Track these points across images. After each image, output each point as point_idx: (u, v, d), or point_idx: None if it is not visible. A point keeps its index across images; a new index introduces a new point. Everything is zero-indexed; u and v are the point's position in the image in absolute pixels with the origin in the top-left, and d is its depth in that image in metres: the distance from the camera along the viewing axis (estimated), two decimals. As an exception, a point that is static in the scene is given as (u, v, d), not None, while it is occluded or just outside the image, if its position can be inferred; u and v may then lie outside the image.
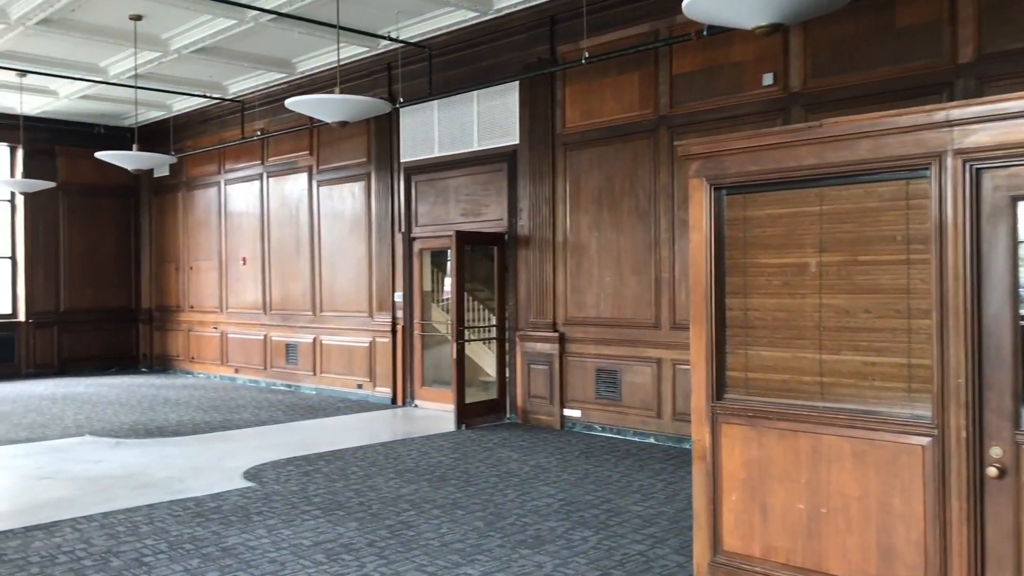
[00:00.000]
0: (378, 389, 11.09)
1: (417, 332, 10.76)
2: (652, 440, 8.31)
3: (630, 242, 8.53)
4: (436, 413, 10.08)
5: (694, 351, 4.02)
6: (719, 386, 3.95)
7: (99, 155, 9.89)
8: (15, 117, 13.51)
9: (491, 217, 9.82)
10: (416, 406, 10.68)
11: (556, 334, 9.08)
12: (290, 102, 7.19)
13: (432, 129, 10.39)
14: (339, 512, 5.79)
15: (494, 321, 9.80)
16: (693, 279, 4.01)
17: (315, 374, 12.09)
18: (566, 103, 9.05)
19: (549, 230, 9.17)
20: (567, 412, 9.04)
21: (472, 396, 9.65)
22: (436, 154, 10.36)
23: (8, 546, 5.06)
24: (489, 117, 9.79)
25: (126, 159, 9.65)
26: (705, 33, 7.31)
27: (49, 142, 14.42)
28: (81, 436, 8.76)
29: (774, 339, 3.77)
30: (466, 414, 9.21)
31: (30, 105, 13.39)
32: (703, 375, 3.98)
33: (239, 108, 12.77)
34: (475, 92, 9.81)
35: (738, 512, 3.88)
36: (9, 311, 14.52)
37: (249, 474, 6.95)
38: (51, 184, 12.59)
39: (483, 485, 6.55)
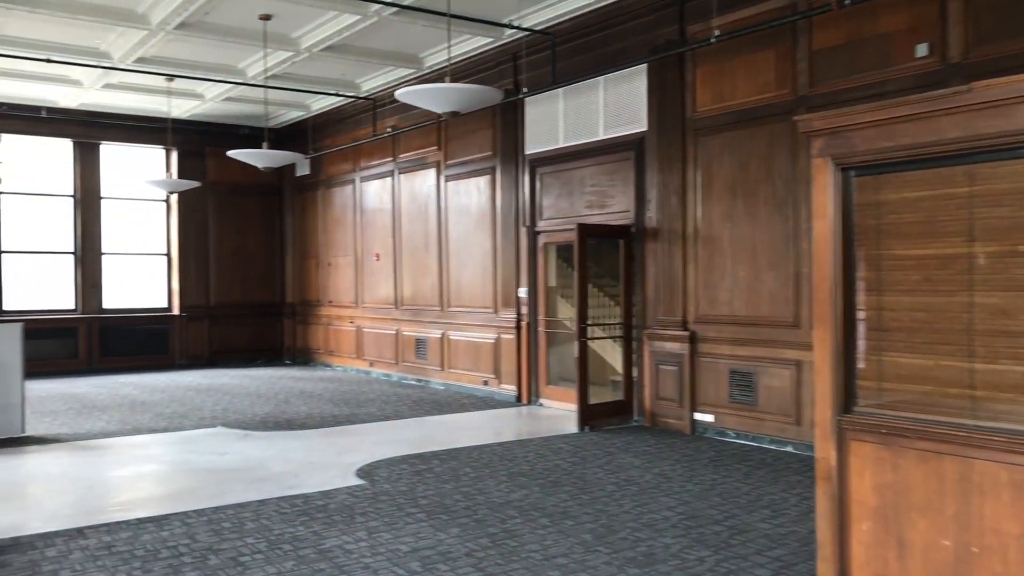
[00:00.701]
0: (503, 386, 10.89)
1: (542, 329, 10.47)
2: (790, 449, 7.66)
3: (766, 234, 7.89)
4: (560, 413, 9.76)
5: (818, 356, 3.49)
6: (847, 397, 3.41)
7: (231, 153, 10.16)
8: (167, 120, 14.20)
9: (617, 209, 9.39)
10: (541, 404, 10.39)
11: (686, 333, 8.55)
12: (400, 93, 7.04)
13: (557, 119, 10.06)
14: (443, 516, 5.57)
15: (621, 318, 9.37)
16: (817, 274, 3.48)
17: (443, 369, 12.03)
18: (696, 86, 8.49)
19: (679, 221, 8.64)
20: (698, 416, 8.50)
21: (598, 396, 9.27)
22: (561, 145, 10.02)
23: (119, 538, 5.13)
24: (615, 104, 9.35)
25: (256, 157, 9.86)
26: (848, 2, 6.60)
27: (199, 144, 15.08)
28: (214, 427, 9.00)
29: (913, 344, 3.21)
30: (590, 415, 8.84)
31: (180, 109, 14.05)
32: (828, 384, 3.45)
33: (371, 106, 12.89)
34: (600, 78, 9.39)
35: (869, 545, 3.33)
36: (164, 305, 15.34)
37: (362, 471, 6.86)
38: (196, 184, 13.13)
39: (598, 493, 6.17)
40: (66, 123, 13.98)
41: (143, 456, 7.66)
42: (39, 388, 12.10)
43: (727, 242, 8.24)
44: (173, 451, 7.86)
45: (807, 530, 5.22)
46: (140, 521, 5.46)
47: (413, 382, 12.60)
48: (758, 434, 7.95)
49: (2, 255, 13.90)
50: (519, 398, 10.62)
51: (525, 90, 9.92)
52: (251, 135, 15.27)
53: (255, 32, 9.92)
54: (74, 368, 13.97)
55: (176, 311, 15.10)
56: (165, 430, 8.88)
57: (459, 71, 10.65)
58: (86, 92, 12.77)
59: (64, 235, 14.46)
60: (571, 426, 8.83)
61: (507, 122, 10.73)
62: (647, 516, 5.57)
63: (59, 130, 14.07)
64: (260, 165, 10.05)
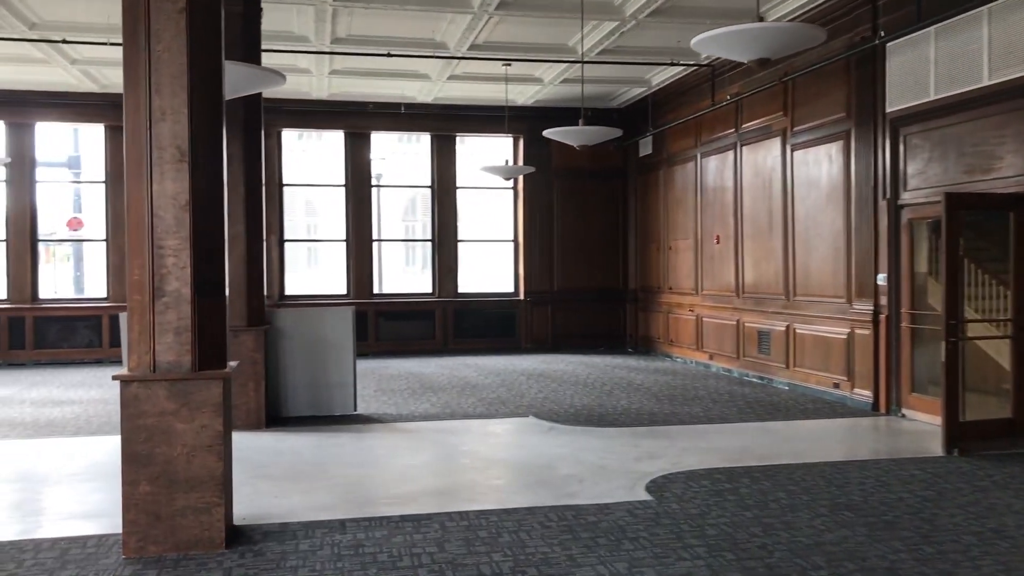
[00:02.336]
0: (856, 391, 9.21)
1: (905, 324, 8.63)
2: None
3: None
4: (925, 428, 7.93)
5: None
6: None
7: (547, 133, 9.76)
8: (512, 108, 14.37)
9: (1007, 173, 7.32)
10: (903, 416, 8.58)
11: (1105, 334, 6.36)
12: (696, 41, 5.97)
13: (926, 66, 8.15)
14: (727, 555, 4.50)
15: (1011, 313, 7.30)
16: None
17: (788, 367, 10.59)
18: (1126, 0, 6.23)
19: (1095, 187, 6.44)
20: (1121, 447, 6.28)
21: (979, 410, 7.36)
22: (931, 97, 8.10)
23: (372, 537, 4.84)
24: (1005, 39, 7.28)
25: (571, 135, 9.33)
26: None
27: (543, 129, 15.02)
28: (525, 417, 8.68)
29: None
30: (961, 435, 6.99)
31: (524, 95, 14.12)
32: None
33: (710, 74, 11.78)
34: (984, 8, 7.38)
35: None
36: (511, 290, 15.66)
37: (654, 484, 5.97)
38: (530, 169, 13.06)
39: (948, 546, 4.64)
40: (424, 117, 14.77)
41: (443, 444, 7.51)
42: (395, 367, 12.89)
43: None
44: (474, 440, 7.64)
45: None
46: (401, 519, 5.15)
47: (754, 379, 11.30)
48: None
49: (379, 243, 15.12)
50: (875, 406, 8.90)
51: (882, 34, 8.18)
52: (594, 117, 14.87)
53: (573, 4, 9.39)
54: (430, 348, 14.78)
55: (522, 296, 15.32)
56: (480, 416, 8.75)
57: (807, 21, 9.15)
58: (435, 85, 13.31)
59: (423, 224, 15.36)
60: (935, 447, 7.07)
61: (863, 77, 9.00)
62: (1017, 592, 4.00)
63: (418, 125, 14.94)
64: (575, 143, 9.53)
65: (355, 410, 8.82)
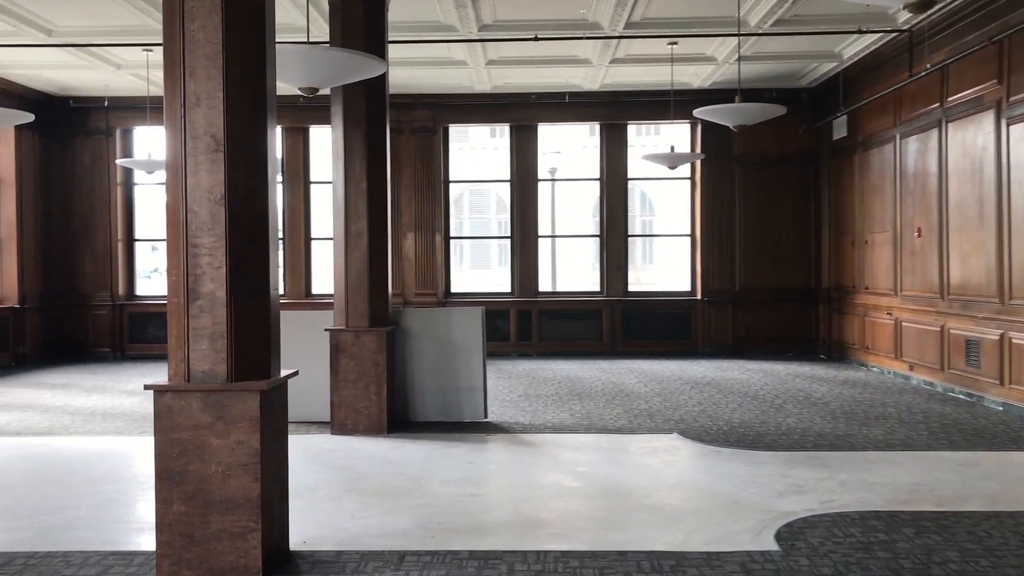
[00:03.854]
0: (1088, 417, 7.47)
1: None
2: None
3: None
4: None
5: None
6: None
7: (697, 112, 8.69)
8: (688, 92, 13.29)
9: None
10: None
11: None
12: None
13: None
14: (850, 643, 3.45)
15: None
16: None
17: (1002, 384, 8.86)
18: None
19: None
20: None
21: None
22: None
23: (426, 576, 4.22)
24: None
25: (724, 114, 8.23)
26: None
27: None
28: (669, 434, 7.74)
29: None
30: None
31: (698, 77, 13.01)
32: None
33: (908, 42, 10.15)
34: None
35: None
36: (687, 288, 14.55)
37: (787, 530, 4.92)
38: (699, 156, 11.98)
39: None
40: (591, 106, 14.01)
41: (561, 462, 6.76)
42: (553, 369, 12.27)
43: None
44: (598, 460, 6.82)
45: None
46: (470, 556, 4.49)
47: (960, 396, 9.60)
48: None
49: (547, 241, 14.57)
50: (1112, 437, 7.15)
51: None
52: (779, 99, 13.49)
53: (732, -35, 8.31)
54: (597, 350, 14.01)
55: (699, 295, 14.17)
56: (619, 431, 7.91)
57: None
58: (598, 71, 12.52)
59: (591, 218, 14.59)
60: None
61: (1099, 28, 7.25)
62: None
63: (586, 114, 14.20)
64: (731, 123, 8.41)
65: (485, 417, 8.27)
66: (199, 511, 4.15)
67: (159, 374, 11.95)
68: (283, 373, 4.49)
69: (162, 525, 4.16)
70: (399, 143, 13.95)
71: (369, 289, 7.76)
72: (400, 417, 8.20)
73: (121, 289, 14.17)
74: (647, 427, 8.04)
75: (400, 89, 13.57)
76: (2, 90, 12.61)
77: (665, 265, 14.49)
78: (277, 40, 4.97)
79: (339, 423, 7.72)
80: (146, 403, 9.43)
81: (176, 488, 4.15)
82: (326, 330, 7.74)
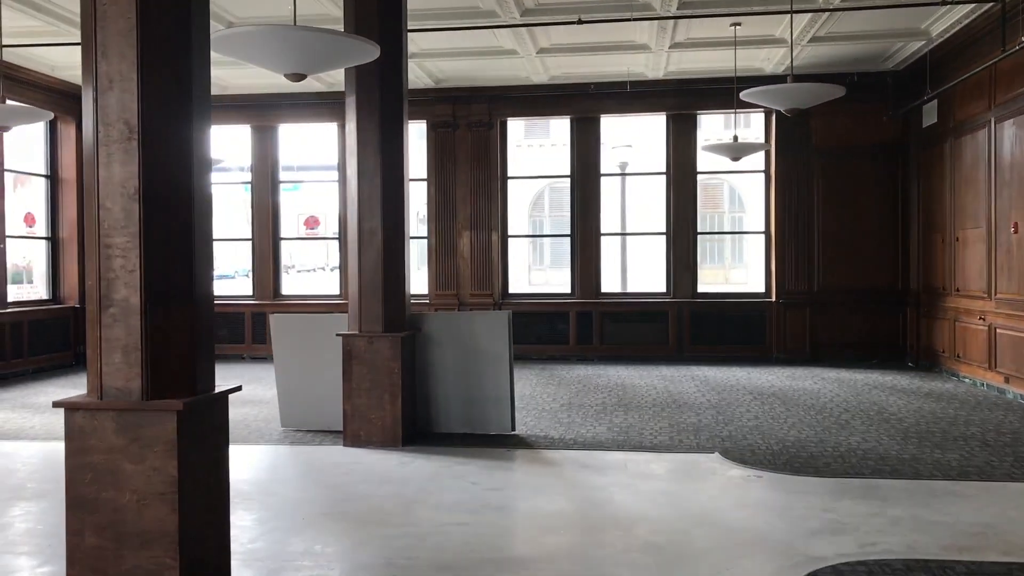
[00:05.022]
0: None
1: None
2: None
3: None
4: None
5: None
6: None
7: (744, 95, 7.82)
8: (761, 78, 12.32)
9: None
10: None
11: None
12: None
13: None
14: None
15: None
16: None
17: (1110, 401, 7.69)
18: None
19: None
20: None
21: None
22: None
23: (364, 626, 3.66)
24: None
25: (776, 96, 7.36)
26: None
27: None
28: (710, 453, 6.95)
29: None
30: None
31: (770, 61, 12.04)
32: None
33: (1000, 15, 9.01)
34: None
35: None
36: (760, 290, 13.57)
37: (812, 581, 4.15)
38: (762, 146, 11.06)
39: None
40: (656, 95, 13.19)
41: (580, 486, 6.09)
42: (608, 376, 11.56)
43: None
44: (621, 484, 6.10)
45: None
46: (425, 601, 3.91)
47: (1062, 413, 8.44)
48: None
49: (616, 239, 13.86)
50: None
51: None
52: (860, 84, 12.38)
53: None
54: (662, 355, 13.18)
55: (773, 297, 13.17)
56: (656, 448, 7.17)
57: None
58: (659, 57, 11.71)
59: (658, 215, 13.78)
60: None
61: None
62: None
63: (651, 104, 13.38)
64: (782, 107, 7.53)
65: (512, 429, 7.67)
66: (112, 544, 3.70)
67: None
68: (221, 388, 4.01)
69: (73, 559, 3.73)
70: (455, 139, 13.48)
71: (384, 291, 7.26)
72: (422, 428, 7.68)
73: (181, 289, 14.16)
74: (688, 445, 7.27)
75: (454, 83, 13.09)
76: (62, 91, 12.74)
77: (736, 265, 13.53)
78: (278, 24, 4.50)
79: (352, 434, 7.25)
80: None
81: (88, 518, 3.71)
82: (337, 335, 7.28)
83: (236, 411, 8.94)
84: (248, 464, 6.71)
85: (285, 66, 5.57)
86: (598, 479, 6.23)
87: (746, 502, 5.57)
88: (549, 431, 7.85)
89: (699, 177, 13.48)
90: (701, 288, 13.63)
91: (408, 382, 7.37)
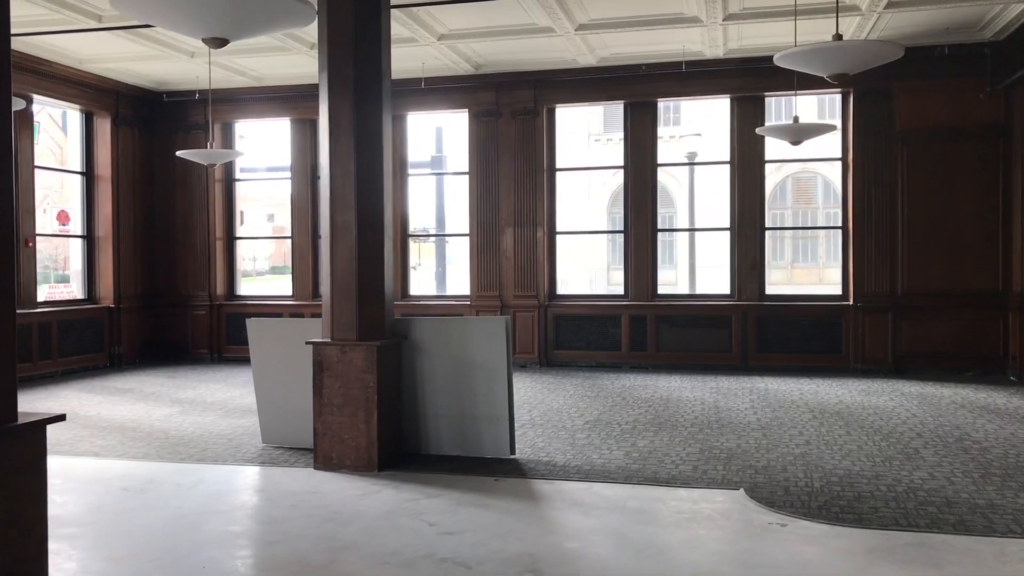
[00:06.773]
0: None
1: None
2: None
3: None
4: None
5: None
6: None
7: (778, 59, 6.53)
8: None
9: None
10: None
11: None
12: None
13: None
14: None
15: None
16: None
17: None
18: None
19: None
20: None
21: None
22: None
23: None
24: None
25: (814, 57, 6.09)
26: None
27: (884, 78, 11.19)
28: (735, 489, 5.79)
29: None
30: None
31: (847, 34, 10.59)
32: None
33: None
34: None
35: None
36: (837, 292, 12.11)
37: None
38: (832, 127, 9.59)
39: None
40: (718, 76, 11.90)
41: (557, 530, 5.05)
42: (656, 387, 10.39)
43: None
44: (608, 528, 5.04)
45: None
46: None
47: None
48: None
49: (684, 236, 12.64)
50: None
51: None
52: (951, 55, 10.81)
53: None
54: (725, 363, 11.89)
55: (851, 300, 11.70)
56: (670, 482, 6.05)
57: None
58: (714, 31, 10.46)
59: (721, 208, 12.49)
60: None
61: None
62: None
63: (712, 86, 12.09)
64: (824, 73, 6.25)
65: (511, 453, 6.68)
66: None
67: (244, 380, 11.34)
68: (31, 419, 3.19)
69: None
70: (497, 128, 12.55)
71: (358, 294, 6.38)
72: (411, 449, 6.79)
73: (220, 289, 13.75)
74: (711, 477, 6.12)
75: (495, 67, 12.16)
76: (96, 86, 12.44)
77: (809, 264, 12.13)
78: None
79: (323, 456, 6.41)
80: (220, 422, 8.64)
81: None
82: (307, 343, 6.45)
83: (225, 423, 8.27)
84: (196, 493, 5.95)
85: (201, 30, 4.74)
86: (582, 522, 5.17)
87: (752, 563, 4.42)
88: (555, 456, 6.82)
89: (788, 169, 12.16)
90: (773, 290, 12.28)
91: (388, 398, 6.48)
